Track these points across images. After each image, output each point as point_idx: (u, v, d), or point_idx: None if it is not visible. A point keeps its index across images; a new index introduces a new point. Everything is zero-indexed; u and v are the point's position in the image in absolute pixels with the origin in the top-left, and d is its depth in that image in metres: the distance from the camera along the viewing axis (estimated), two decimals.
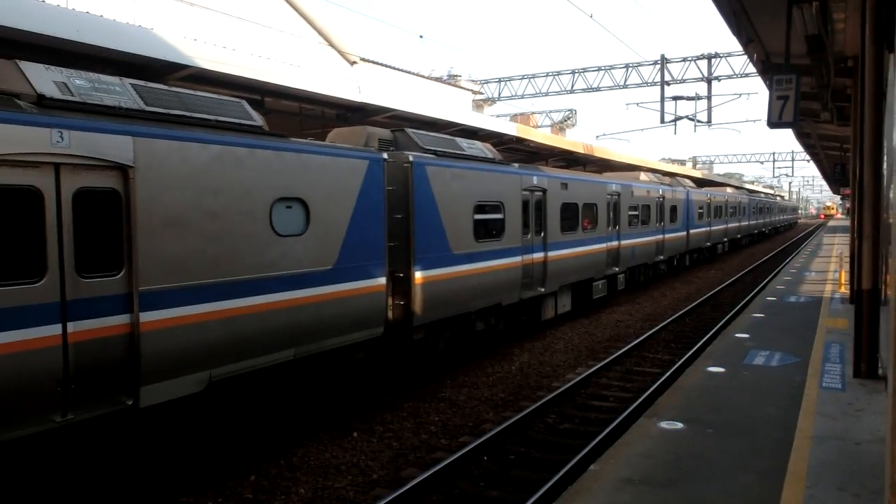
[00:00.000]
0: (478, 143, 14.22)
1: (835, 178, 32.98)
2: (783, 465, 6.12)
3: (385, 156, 10.50)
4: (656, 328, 16.30)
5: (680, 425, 7.25)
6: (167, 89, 7.81)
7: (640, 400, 10.30)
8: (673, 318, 17.79)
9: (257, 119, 8.67)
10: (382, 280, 10.30)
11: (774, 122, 9.01)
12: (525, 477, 7.93)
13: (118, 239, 6.71)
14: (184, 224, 7.25)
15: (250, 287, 8.03)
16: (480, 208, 12.96)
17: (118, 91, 7.17)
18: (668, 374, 11.87)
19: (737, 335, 12.18)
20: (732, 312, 17.96)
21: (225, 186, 7.73)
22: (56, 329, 6.12)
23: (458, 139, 13.70)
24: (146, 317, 6.84)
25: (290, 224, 8.66)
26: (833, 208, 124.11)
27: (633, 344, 14.49)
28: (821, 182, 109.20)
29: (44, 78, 6.57)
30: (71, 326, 6.23)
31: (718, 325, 16.48)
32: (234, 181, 7.85)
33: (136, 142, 6.78)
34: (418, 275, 11.09)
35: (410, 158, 11.05)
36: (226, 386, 8.02)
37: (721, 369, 9.67)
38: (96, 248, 6.51)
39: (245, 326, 7.96)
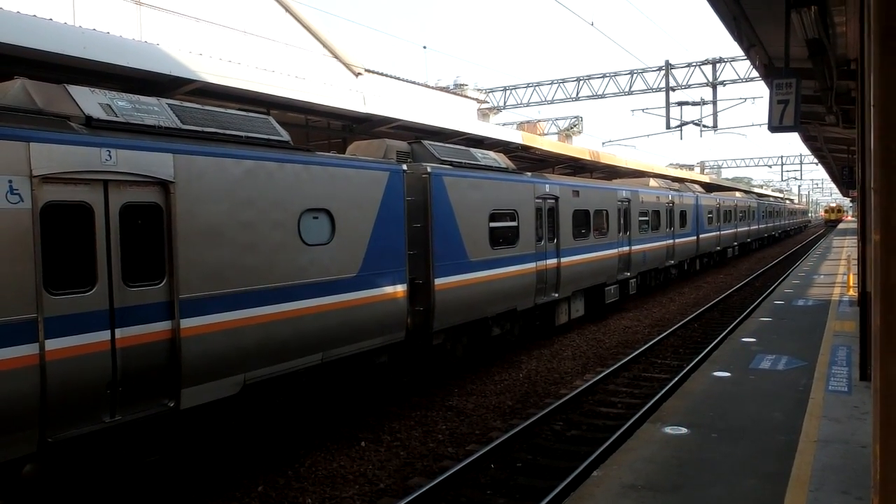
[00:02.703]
0: (491, 153, 14.42)
1: (843, 180, 32.80)
2: (787, 469, 6.12)
3: (404, 167, 10.85)
4: (664, 334, 16.27)
5: (684, 430, 7.26)
6: (200, 108, 8.16)
7: (647, 406, 10.29)
8: (681, 323, 17.74)
9: (284, 134, 9.03)
10: (403, 287, 10.60)
11: (775, 126, 9.01)
12: (532, 485, 7.94)
13: (160, 250, 7.06)
14: (220, 235, 7.62)
15: (281, 294, 8.39)
16: (496, 216, 13.22)
17: (156, 111, 7.52)
18: (676, 379, 11.85)
19: (743, 339, 12.16)
20: (741, 317, 17.91)
21: (257, 199, 8.09)
22: (105, 335, 6.48)
23: (473, 150, 13.93)
24: (186, 323, 7.20)
25: (317, 234, 9.02)
26: (840, 210, 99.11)
27: (640, 350, 14.47)
28: (830, 185, 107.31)
29: (90, 100, 6.94)
30: (118, 332, 6.58)
31: (727, 331, 16.43)
32: (265, 194, 8.21)
33: (176, 158, 7.15)
34: (437, 281, 11.35)
35: (428, 169, 11.32)
36: (258, 389, 8.34)
37: (727, 374, 9.66)
38: (141, 259, 6.87)
39: (276, 331, 8.31)
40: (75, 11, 16.76)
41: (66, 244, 6.27)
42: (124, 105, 7.22)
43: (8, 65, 8.37)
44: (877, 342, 2.30)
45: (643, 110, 32.95)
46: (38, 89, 6.74)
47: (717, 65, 28.68)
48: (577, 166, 25.63)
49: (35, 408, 5.89)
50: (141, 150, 6.83)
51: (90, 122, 6.73)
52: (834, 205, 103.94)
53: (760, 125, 38.36)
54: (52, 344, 6.02)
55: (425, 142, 12.52)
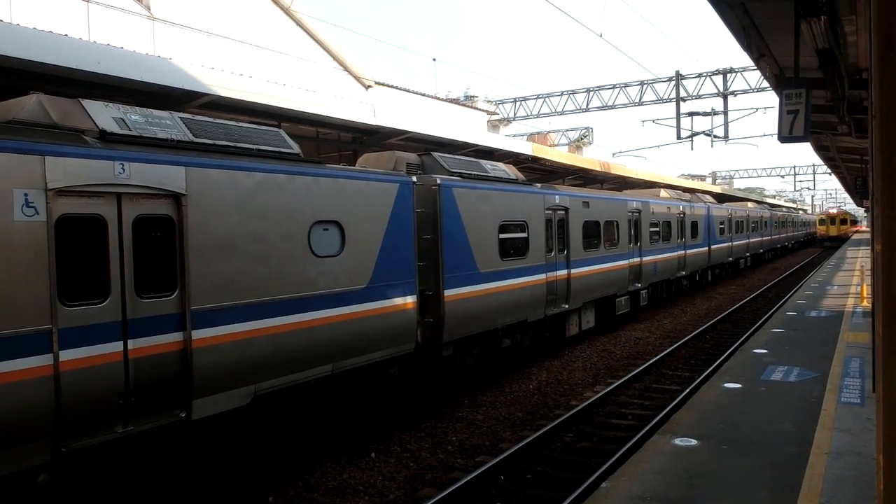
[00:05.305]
0: (501, 165, 14.46)
1: (857, 190, 32.60)
2: (798, 481, 6.09)
3: (414, 179, 10.90)
4: (676, 345, 16.20)
5: (694, 442, 7.23)
6: (212, 121, 8.26)
7: (657, 418, 10.25)
8: (693, 334, 17.66)
9: (295, 147, 9.11)
10: (413, 298, 10.63)
11: (785, 136, 8.98)
12: (541, 496, 7.92)
13: (172, 262, 7.13)
14: (231, 247, 7.69)
15: (292, 305, 8.44)
16: (505, 228, 13.23)
17: (169, 124, 7.61)
18: (687, 391, 11.80)
19: (755, 351, 12.09)
20: (753, 329, 17.80)
21: (268, 211, 8.16)
22: (118, 346, 6.55)
23: (482, 161, 13.96)
24: (198, 334, 7.26)
25: (327, 245, 9.07)
26: (846, 220, 66.75)
27: (651, 361, 14.42)
28: (844, 195, 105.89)
29: (104, 114, 7.05)
30: (131, 343, 6.65)
31: (738, 342, 16.34)
32: (276, 206, 8.28)
33: (188, 171, 7.24)
34: (447, 293, 11.37)
35: (438, 181, 11.36)
36: (269, 400, 8.38)
37: (738, 385, 9.61)
38: (153, 271, 6.94)
39: (287, 343, 8.35)
40: (90, 27, 17.01)
41: (80, 256, 6.35)
42: (137, 119, 7.32)
43: (25, 80, 8.50)
44: (880, 353, 2.31)
45: (653, 121, 32.96)
46: (53, 104, 6.86)
47: (728, 75, 28.65)
48: (587, 177, 25.64)
49: (49, 418, 5.96)
50: (153, 164, 6.92)
51: (104, 136, 6.83)
52: (834, 211, 68.71)
53: (772, 135, 38.25)
54: (65, 355, 6.10)
55: (435, 153, 12.57)
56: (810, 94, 9.27)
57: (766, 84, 27.11)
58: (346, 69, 25.38)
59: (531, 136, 38.76)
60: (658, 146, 36.13)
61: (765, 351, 12.05)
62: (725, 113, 28.73)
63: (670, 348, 15.83)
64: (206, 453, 7.89)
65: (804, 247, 68.94)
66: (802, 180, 75.87)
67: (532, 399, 12.11)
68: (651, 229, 21.34)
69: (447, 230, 11.46)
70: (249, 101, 10.82)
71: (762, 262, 44.58)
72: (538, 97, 34.42)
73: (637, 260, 20.04)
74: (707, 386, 9.73)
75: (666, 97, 30.31)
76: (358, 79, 25.61)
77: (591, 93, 32.43)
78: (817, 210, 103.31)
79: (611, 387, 12.39)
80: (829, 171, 44.97)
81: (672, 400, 11.43)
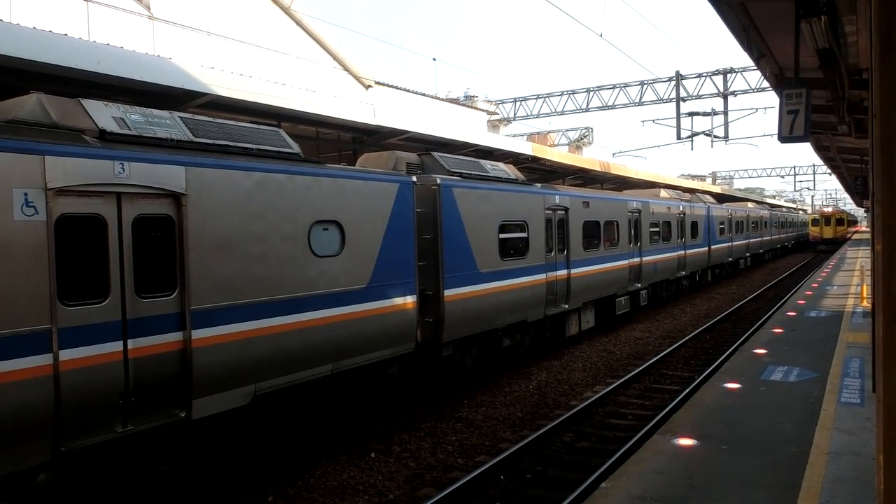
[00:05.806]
0: (501, 165, 14.46)
1: (857, 190, 32.59)
2: (797, 481, 6.09)
3: (414, 179, 10.90)
4: (676, 345, 16.20)
5: (694, 442, 7.24)
6: (212, 121, 8.27)
7: (657, 417, 10.25)
8: (693, 334, 17.67)
9: (294, 147, 9.11)
10: (413, 298, 10.63)
11: (785, 136, 8.98)
12: (541, 496, 7.92)
13: (172, 261, 7.13)
14: (231, 247, 7.69)
15: (291, 305, 8.44)
16: (505, 228, 13.23)
17: (168, 124, 7.61)
18: (687, 391, 11.80)
19: (755, 351, 12.09)
20: (752, 329, 17.80)
21: (267, 211, 8.16)
22: (118, 346, 6.55)
23: (482, 161, 13.96)
24: (197, 334, 7.26)
25: (326, 245, 9.07)
26: (844, 220, 58.13)
27: (651, 361, 14.42)
28: (844, 195, 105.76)
29: (104, 114, 7.05)
30: (131, 343, 6.65)
31: (738, 342, 16.34)
32: (276, 206, 8.28)
33: (188, 171, 7.24)
34: (447, 293, 11.37)
35: (438, 181, 11.35)
36: (269, 400, 8.38)
37: (738, 385, 9.61)
38: (153, 271, 6.94)
39: (286, 342, 8.35)
40: (90, 26, 17.00)
41: (80, 256, 6.35)
42: (137, 118, 7.32)
43: (25, 79, 8.50)
44: (880, 353, 2.31)
45: (654, 121, 32.98)
46: (53, 103, 6.86)
47: (728, 75, 28.64)
48: (587, 177, 25.64)
49: (49, 417, 5.96)
50: (153, 163, 6.92)
51: (104, 136, 6.83)
52: (830, 209, 59.82)
53: (772, 135, 38.31)
54: (65, 354, 6.10)
55: (435, 153, 12.58)
56: (810, 94, 9.26)
57: (766, 84, 27.09)
58: (346, 69, 25.38)
59: (531, 136, 38.75)
60: (658, 146, 36.17)
61: (765, 351, 12.05)
62: (725, 113, 28.72)
63: (670, 348, 15.83)
64: (205, 453, 7.89)
65: (802, 248, 69.01)
66: (802, 180, 75.84)
67: (532, 399, 12.10)
68: (651, 229, 21.34)
69: (447, 230, 11.45)
70: (249, 100, 10.81)
71: (762, 262, 44.59)
72: (538, 97, 34.40)
73: (637, 260, 20.05)
74: (707, 386, 9.74)
75: (666, 97, 30.30)
76: (358, 79, 25.61)
77: (591, 93, 32.42)
78: (817, 209, 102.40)
79: (610, 387, 12.39)
80: (829, 171, 44.97)
81: (672, 400, 11.43)
